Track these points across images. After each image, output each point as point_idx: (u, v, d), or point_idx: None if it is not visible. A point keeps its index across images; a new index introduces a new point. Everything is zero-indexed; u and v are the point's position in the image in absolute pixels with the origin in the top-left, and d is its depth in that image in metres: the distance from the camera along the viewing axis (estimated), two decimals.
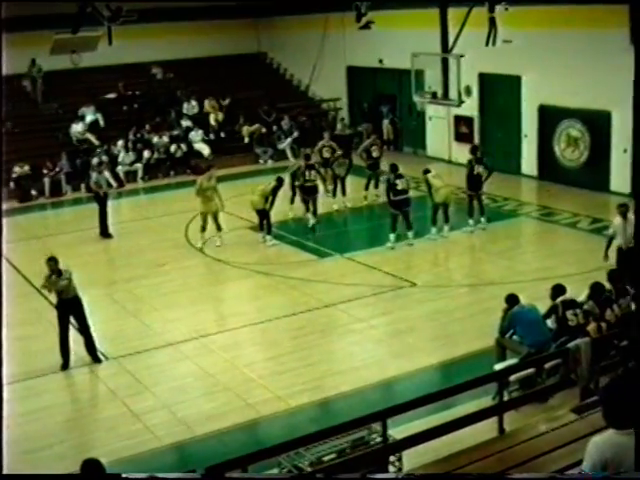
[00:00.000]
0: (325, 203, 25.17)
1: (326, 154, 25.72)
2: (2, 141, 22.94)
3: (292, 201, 24.40)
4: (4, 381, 8.98)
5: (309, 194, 23.72)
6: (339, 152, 26.03)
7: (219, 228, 22.42)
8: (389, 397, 13.68)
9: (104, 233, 23.98)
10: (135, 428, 13.14)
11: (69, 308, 15.62)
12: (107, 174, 27.00)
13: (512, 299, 13.59)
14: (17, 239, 24.58)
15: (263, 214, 22.30)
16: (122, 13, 35.83)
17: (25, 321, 17.95)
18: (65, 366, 15.49)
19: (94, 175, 24.97)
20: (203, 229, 22.36)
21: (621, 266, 15.83)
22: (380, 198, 25.16)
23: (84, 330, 15.69)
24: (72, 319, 15.76)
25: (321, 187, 24.62)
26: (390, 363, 14.99)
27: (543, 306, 13.66)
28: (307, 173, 23.62)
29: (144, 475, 9.01)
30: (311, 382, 14.36)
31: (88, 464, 8.69)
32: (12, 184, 30.16)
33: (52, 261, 15.60)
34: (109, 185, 26.34)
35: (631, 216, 15.99)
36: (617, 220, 16.69)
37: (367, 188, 25.95)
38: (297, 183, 23.87)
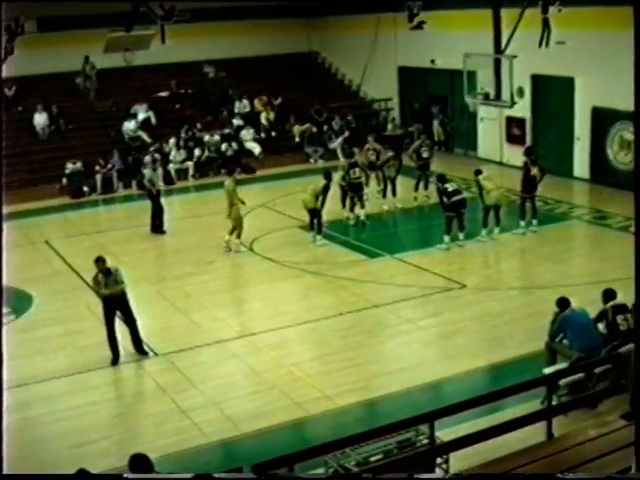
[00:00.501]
0: (375, 204, 25.14)
1: (371, 157, 25.57)
2: (2, 141, 23.15)
3: (343, 202, 24.41)
4: (4, 380, 9.01)
5: (355, 191, 23.87)
6: (390, 154, 25.91)
7: (238, 235, 22.30)
8: (437, 399, 13.62)
9: (156, 229, 24.19)
10: (182, 425, 13.21)
11: (115, 304, 15.79)
12: (160, 172, 27.08)
13: (563, 302, 13.46)
14: (68, 235, 24.91)
15: (314, 213, 22.31)
16: (175, 12, 36.17)
17: (75, 316, 18.17)
18: (115, 361, 15.67)
19: (147, 172, 25.12)
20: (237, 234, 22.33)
21: None
22: (430, 199, 25.07)
23: (130, 323, 15.91)
24: (118, 313, 15.97)
25: (365, 188, 24.63)
26: (438, 365, 14.92)
27: (594, 310, 13.52)
28: (351, 171, 23.76)
29: (146, 475, 9.08)
30: (359, 382, 14.34)
31: (136, 459, 8.75)
32: (64, 180, 30.50)
33: (100, 261, 15.74)
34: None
35: None
36: None
37: (417, 189, 25.87)
38: (342, 182, 23.94)
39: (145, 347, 16.03)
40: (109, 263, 15.91)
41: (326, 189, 22.27)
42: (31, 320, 18.31)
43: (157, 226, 24.32)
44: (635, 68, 9.36)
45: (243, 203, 22.37)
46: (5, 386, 14.51)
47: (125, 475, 8.76)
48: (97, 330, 17.06)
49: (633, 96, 9.32)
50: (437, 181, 21.98)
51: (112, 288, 15.55)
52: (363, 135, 32.07)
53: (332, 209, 23.92)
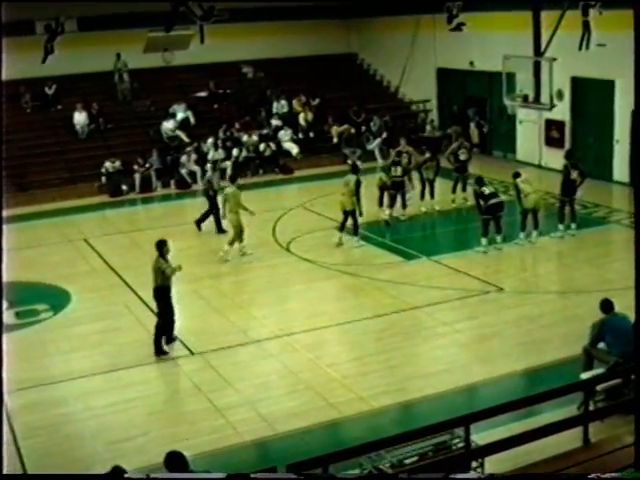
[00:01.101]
0: (413, 205, 25.09)
1: (403, 160, 25.15)
2: (2, 143, 23.32)
3: (381, 201, 24.43)
4: (4, 380, 9.09)
5: (396, 189, 24.11)
6: (427, 155, 25.82)
7: (240, 240, 21.96)
8: (472, 402, 13.59)
9: (220, 229, 24.19)
10: (218, 423, 13.25)
11: (165, 293, 16.22)
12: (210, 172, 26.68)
13: (606, 305, 13.34)
14: (106, 233, 25.06)
15: (347, 215, 22.28)
16: (214, 12, 36.32)
17: (112, 314, 18.28)
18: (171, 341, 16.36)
19: (208, 173, 24.95)
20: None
21: None
22: (468, 201, 24.98)
23: (169, 315, 16.34)
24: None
25: (410, 191, 24.77)
26: (474, 368, 14.86)
27: (634, 316, 13.38)
28: (393, 169, 23.86)
29: (144, 475, 9.09)
30: (394, 384, 14.31)
31: (171, 456, 8.80)
32: (103, 179, 30.70)
33: (164, 245, 16.39)
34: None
35: None
36: None
37: (454, 191, 25.78)
38: (385, 179, 24.03)
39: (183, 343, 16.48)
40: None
41: (358, 184, 22.22)
42: (69, 317, 18.44)
43: (206, 223, 24.56)
44: (635, 68, 9.30)
45: (252, 213, 22.01)
46: (43, 382, 14.73)
47: (127, 475, 8.80)
48: (134, 328, 17.26)
49: None
50: (475, 183, 21.91)
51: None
52: (401, 136, 32.18)
53: (369, 210, 23.89)
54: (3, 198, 10.36)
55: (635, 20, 9.66)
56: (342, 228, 22.47)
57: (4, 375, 9.01)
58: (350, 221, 22.40)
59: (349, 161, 33.43)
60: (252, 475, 8.63)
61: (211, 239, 23.93)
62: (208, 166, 28.35)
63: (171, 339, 16.42)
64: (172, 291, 16.34)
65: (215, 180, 24.89)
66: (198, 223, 24.59)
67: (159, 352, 15.96)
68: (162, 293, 16.21)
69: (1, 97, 10.97)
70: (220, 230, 24.14)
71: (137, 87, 34.83)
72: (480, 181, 21.67)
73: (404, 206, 24.48)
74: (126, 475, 8.79)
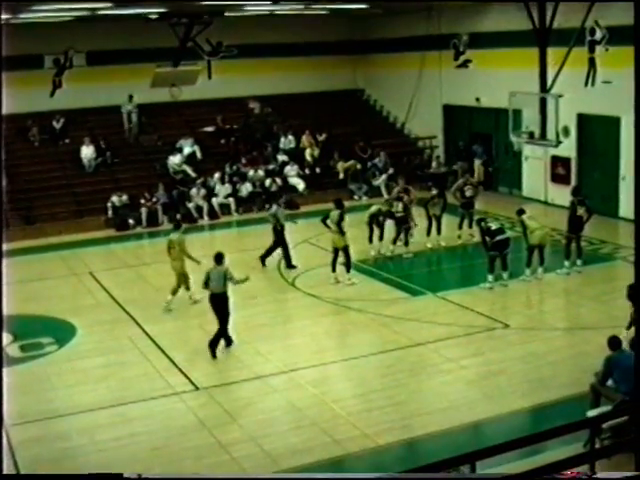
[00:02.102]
0: (419, 241, 25.07)
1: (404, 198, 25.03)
2: (2, 151, 23.37)
3: (370, 238, 24.46)
4: (4, 381, 9.05)
5: (399, 224, 24.34)
6: (434, 192, 25.82)
7: (187, 287, 21.07)
8: (478, 439, 13.51)
9: (290, 265, 23.86)
10: (222, 459, 13.17)
11: (216, 302, 17.81)
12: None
13: (614, 342, 13.29)
14: (112, 267, 25.08)
15: (337, 252, 22.28)
16: (222, 48, 36.63)
17: (117, 348, 18.26)
18: (229, 344, 17.91)
19: (273, 207, 24.47)
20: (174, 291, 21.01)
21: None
22: (474, 237, 24.97)
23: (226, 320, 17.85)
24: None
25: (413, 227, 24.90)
26: (480, 405, 14.78)
27: None
28: (395, 204, 24.04)
29: (141, 475, 8.98)
30: (399, 421, 14.24)
31: None
32: (110, 213, 30.78)
33: (223, 257, 18.05)
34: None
35: None
36: None
37: (461, 227, 25.80)
38: (379, 207, 24.35)
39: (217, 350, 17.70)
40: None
41: (341, 219, 22.10)
42: (74, 351, 18.41)
43: (288, 261, 24.03)
44: (635, 68, 9.32)
45: (197, 262, 20.76)
46: (48, 416, 14.67)
47: (126, 475, 8.72)
48: (139, 362, 17.22)
49: None
50: (479, 222, 21.86)
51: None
52: (407, 172, 32.29)
53: (374, 245, 23.91)
54: (3, 232, 10.39)
55: (635, 56, 9.69)
56: (334, 267, 22.39)
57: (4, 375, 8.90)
58: (342, 259, 22.35)
59: (355, 197, 33.60)
60: None
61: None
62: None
63: (230, 342, 17.91)
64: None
65: (281, 214, 24.22)
66: (263, 259, 24.05)
67: (214, 354, 17.36)
68: (225, 300, 17.73)
69: (1, 107, 10.92)
70: (290, 266, 23.76)
71: (144, 122, 34.95)
72: (484, 220, 21.71)
73: (407, 243, 24.43)
74: (126, 475, 8.69)
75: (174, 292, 20.83)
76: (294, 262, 23.82)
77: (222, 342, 17.70)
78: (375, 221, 24.27)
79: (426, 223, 25.46)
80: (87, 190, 31.96)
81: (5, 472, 9.18)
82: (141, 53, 32.88)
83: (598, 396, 13.28)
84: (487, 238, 21.23)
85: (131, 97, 34.46)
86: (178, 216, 23.33)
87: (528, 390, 15.20)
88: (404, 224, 24.35)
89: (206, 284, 17.87)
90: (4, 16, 25.37)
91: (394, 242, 24.43)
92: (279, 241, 23.99)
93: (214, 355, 17.34)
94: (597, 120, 28.55)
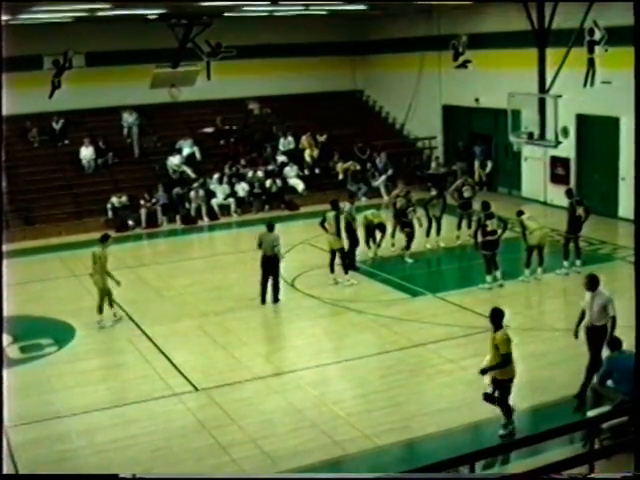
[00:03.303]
0: (419, 243, 25.04)
1: (399, 204, 24.73)
2: (1, 152, 23.37)
3: (367, 242, 24.46)
4: (5, 381, 9.07)
5: (411, 229, 24.20)
6: (433, 193, 25.82)
7: (110, 303, 20.23)
8: (478, 440, 13.51)
9: (353, 266, 23.45)
10: (222, 461, 13.17)
11: (268, 262, 20.75)
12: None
13: (614, 343, 13.31)
14: (112, 268, 24.98)
15: (335, 254, 22.32)
16: (221, 49, 36.64)
17: (116, 349, 18.30)
18: (263, 301, 20.71)
19: (347, 206, 23.71)
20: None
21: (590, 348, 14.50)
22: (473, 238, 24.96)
23: (275, 279, 20.84)
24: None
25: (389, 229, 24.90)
26: (480, 406, 14.72)
27: None
28: (409, 213, 24.14)
29: (138, 475, 8.98)
30: (399, 422, 14.24)
31: None
32: (110, 214, 30.77)
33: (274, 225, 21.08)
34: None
35: (601, 290, 14.63)
36: (585, 293, 14.83)
37: (459, 228, 25.81)
38: (371, 217, 24.16)
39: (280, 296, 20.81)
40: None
41: (337, 220, 22.16)
42: (73, 352, 18.41)
43: (350, 263, 23.38)
44: (635, 69, 9.34)
45: (117, 283, 20.11)
46: (47, 418, 14.66)
47: (122, 475, 8.73)
48: (139, 363, 17.23)
49: None
50: (481, 208, 21.66)
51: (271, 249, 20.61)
52: (407, 173, 32.31)
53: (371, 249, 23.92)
54: (3, 233, 10.40)
55: (635, 56, 9.70)
56: (332, 268, 22.40)
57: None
58: (339, 260, 22.38)
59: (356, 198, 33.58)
60: None
61: (216, 275, 23.91)
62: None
63: (278, 299, 20.85)
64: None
65: (354, 212, 23.84)
66: (351, 266, 23.32)
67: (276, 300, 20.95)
68: (275, 261, 20.76)
69: (0, 107, 10.90)
70: (354, 267, 23.41)
71: (144, 123, 34.92)
72: (486, 206, 21.46)
73: (408, 247, 24.28)
74: (121, 475, 8.69)
75: (100, 310, 19.85)
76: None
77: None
78: (367, 230, 24.27)
79: (426, 224, 25.41)
80: (86, 191, 31.96)
81: (5, 473, 9.15)
82: (140, 54, 32.88)
83: (598, 396, 13.29)
84: (479, 234, 21.19)
85: (132, 109, 34.58)
86: (110, 234, 21.83)
87: (528, 391, 15.16)
88: (408, 227, 24.07)
89: (259, 245, 20.86)
90: (4, 17, 25.39)
91: (407, 248, 24.19)
92: (354, 240, 23.61)
93: (278, 300, 20.83)
94: (596, 120, 28.54)
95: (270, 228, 20.95)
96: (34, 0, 22.91)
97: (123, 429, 14.43)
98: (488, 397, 13.54)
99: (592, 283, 14.57)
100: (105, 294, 20.03)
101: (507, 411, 13.48)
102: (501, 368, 13.29)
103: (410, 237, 24.13)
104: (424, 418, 14.41)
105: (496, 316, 13.66)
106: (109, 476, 8.75)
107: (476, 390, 15.58)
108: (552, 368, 16.22)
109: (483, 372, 13.57)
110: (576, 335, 14.74)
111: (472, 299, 20.64)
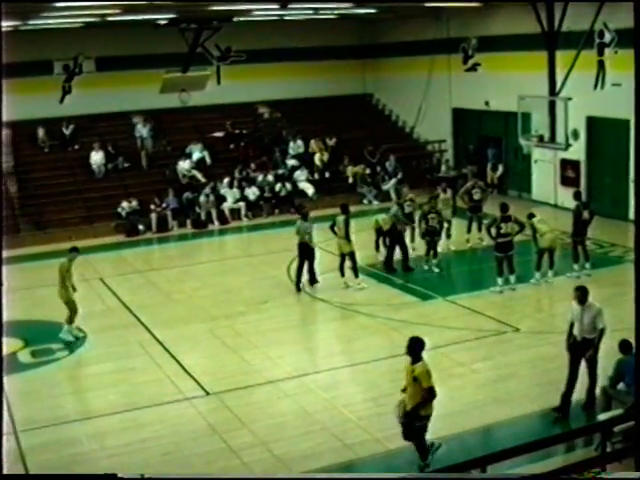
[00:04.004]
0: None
1: (408, 208, 24.80)
2: (2, 153, 23.35)
3: (377, 245, 24.39)
4: (5, 381, 9.04)
5: (429, 235, 23.54)
6: (447, 195, 25.78)
7: (70, 320, 19.40)
8: (489, 443, 13.48)
9: (391, 268, 23.61)
10: (232, 464, 13.16)
11: (304, 249, 22.15)
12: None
13: (625, 346, 13.26)
14: (122, 273, 25.09)
15: (344, 257, 22.33)
16: (231, 53, 36.68)
17: (127, 353, 18.26)
18: (298, 289, 21.99)
19: (394, 208, 23.97)
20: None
21: (573, 362, 14.31)
22: (483, 241, 24.94)
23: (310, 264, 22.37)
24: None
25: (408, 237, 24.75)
26: (491, 409, 14.74)
27: None
28: (430, 218, 23.52)
29: (138, 475, 8.96)
30: None
31: None
32: (122, 217, 30.75)
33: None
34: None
35: (592, 302, 14.32)
36: (573, 304, 14.55)
37: (469, 231, 25.75)
38: (381, 222, 24.05)
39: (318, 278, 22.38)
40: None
41: (347, 224, 22.18)
42: (84, 356, 18.44)
43: (405, 265, 23.65)
44: (635, 69, 9.32)
45: (74, 289, 19.40)
46: (58, 422, 14.67)
47: (120, 475, 8.71)
48: (149, 367, 17.23)
49: None
50: (500, 210, 21.53)
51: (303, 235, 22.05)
52: (417, 177, 32.28)
53: (382, 250, 23.89)
54: (3, 237, 10.40)
55: (635, 57, 9.68)
56: (342, 272, 22.41)
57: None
58: (349, 263, 22.36)
59: (365, 201, 33.58)
60: None
61: (226, 279, 23.93)
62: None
63: (315, 281, 22.37)
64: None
65: (400, 214, 23.84)
66: (407, 266, 23.53)
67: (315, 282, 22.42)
68: (311, 248, 22.21)
69: (1, 106, 10.90)
70: (391, 269, 23.56)
71: (154, 127, 34.94)
72: (504, 207, 21.36)
73: (435, 254, 23.71)
74: (120, 475, 8.67)
75: (70, 321, 19.31)
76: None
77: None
78: (377, 234, 24.26)
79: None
80: (97, 196, 32.00)
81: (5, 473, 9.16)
82: (150, 59, 32.91)
83: (610, 399, 13.25)
84: (492, 230, 21.13)
85: (145, 119, 34.67)
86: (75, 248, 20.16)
87: (538, 394, 15.15)
88: (435, 236, 23.48)
89: (297, 232, 22.16)
90: (14, 22, 25.48)
91: (428, 255, 23.60)
92: (401, 241, 23.68)
93: (316, 281, 22.38)
94: (606, 123, 28.44)
95: (305, 217, 22.42)
96: (35, 1, 22.87)
97: (134, 433, 14.43)
98: (409, 432, 12.51)
99: (583, 295, 14.29)
100: (73, 305, 19.22)
101: (423, 450, 12.57)
102: (429, 402, 12.32)
103: (430, 245, 23.49)
104: (435, 421, 14.28)
105: (415, 346, 12.41)
106: (107, 476, 8.71)
107: (486, 393, 15.60)
108: (562, 371, 16.03)
109: (414, 412, 12.27)
110: (569, 349, 14.44)
111: (483, 302, 20.61)
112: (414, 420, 12.33)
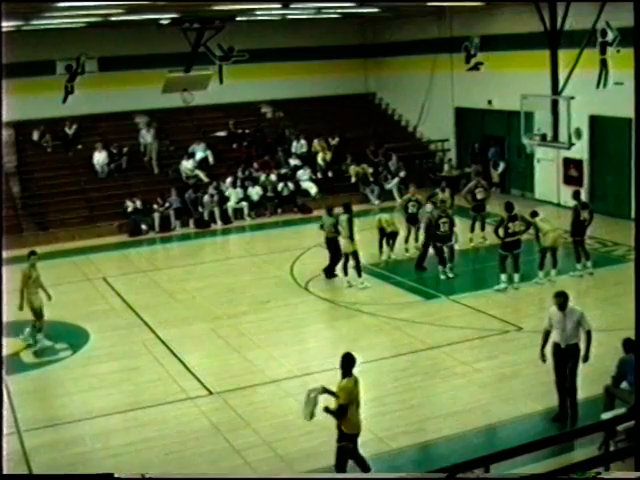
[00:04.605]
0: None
1: (412, 209, 24.71)
2: (2, 153, 23.36)
3: (380, 244, 24.42)
4: (5, 381, 9.02)
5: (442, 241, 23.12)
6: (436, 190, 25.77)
7: (39, 329, 18.94)
8: (492, 443, 13.48)
9: (420, 267, 23.57)
10: (236, 464, 13.16)
11: (329, 243, 22.87)
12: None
13: (628, 344, 13.24)
14: (125, 272, 25.10)
15: (348, 257, 22.34)
16: (234, 53, 36.70)
17: (130, 353, 18.27)
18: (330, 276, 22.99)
19: (428, 207, 23.97)
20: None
21: (560, 369, 14.05)
22: (486, 240, 24.93)
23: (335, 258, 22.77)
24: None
25: (402, 234, 24.73)
26: (494, 408, 14.74)
27: None
28: (441, 224, 23.09)
29: (139, 475, 8.96)
30: (413, 424, 14.22)
31: None
32: (127, 215, 30.74)
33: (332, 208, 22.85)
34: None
35: (573, 307, 14.13)
36: (552, 311, 14.18)
37: (472, 230, 25.73)
38: (384, 223, 24.10)
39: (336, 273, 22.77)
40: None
41: (350, 223, 22.17)
42: (87, 356, 18.43)
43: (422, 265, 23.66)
44: (635, 69, 9.31)
45: (48, 296, 19.03)
46: (61, 421, 14.68)
47: (117, 475, 8.71)
48: (153, 367, 17.24)
49: None
50: (505, 209, 21.52)
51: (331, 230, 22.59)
52: (419, 176, 32.26)
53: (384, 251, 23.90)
54: (3, 236, 10.40)
55: (635, 57, 9.67)
56: (345, 271, 22.41)
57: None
58: (352, 262, 22.34)
59: (369, 200, 33.57)
60: None
61: (229, 278, 23.93)
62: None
63: (332, 275, 22.87)
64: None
65: (435, 214, 23.27)
66: (443, 261, 23.03)
67: (330, 276, 22.85)
68: (335, 242, 22.46)
69: (0, 105, 10.92)
70: (421, 267, 23.48)
71: (157, 127, 34.93)
72: (509, 207, 21.34)
73: (452, 259, 23.40)
74: (117, 475, 8.66)
75: (39, 329, 18.85)
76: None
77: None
78: (380, 234, 24.27)
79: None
80: (100, 196, 32.01)
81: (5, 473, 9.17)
82: (153, 58, 32.95)
83: (612, 398, 13.24)
84: (500, 230, 21.11)
85: (150, 123, 34.70)
86: (36, 250, 19.90)
87: (542, 393, 15.12)
88: (447, 242, 23.03)
89: (321, 227, 22.99)
90: (17, 22, 25.49)
91: (442, 264, 22.92)
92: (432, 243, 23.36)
93: (334, 275, 22.94)
94: (609, 122, 28.43)
95: (329, 211, 22.80)
96: (37, 1, 22.89)
97: (137, 432, 14.43)
98: (343, 450, 12.10)
99: (565, 301, 14.08)
100: (40, 312, 18.74)
101: (363, 465, 12.19)
102: (336, 418, 11.94)
103: (441, 252, 22.98)
104: (438, 421, 14.38)
105: (345, 362, 12.32)
106: (104, 475, 8.71)
107: (490, 392, 15.61)
108: None
109: (338, 429, 11.98)
110: (543, 358, 14.22)
111: (486, 301, 20.61)
112: (339, 439, 12.01)
